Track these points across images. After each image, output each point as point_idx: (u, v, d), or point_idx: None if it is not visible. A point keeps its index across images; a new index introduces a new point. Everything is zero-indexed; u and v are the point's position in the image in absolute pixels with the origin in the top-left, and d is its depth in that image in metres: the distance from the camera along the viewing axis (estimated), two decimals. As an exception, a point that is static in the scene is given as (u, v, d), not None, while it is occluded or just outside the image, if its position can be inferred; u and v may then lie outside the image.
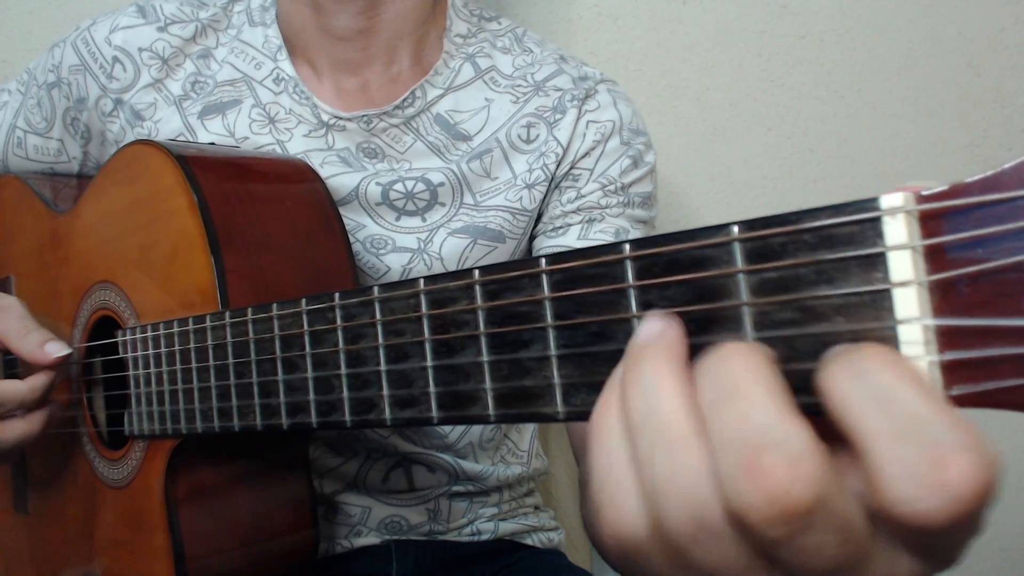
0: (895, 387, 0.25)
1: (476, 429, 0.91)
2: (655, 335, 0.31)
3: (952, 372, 0.28)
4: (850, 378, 0.26)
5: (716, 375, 0.28)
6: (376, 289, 0.45)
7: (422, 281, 0.42)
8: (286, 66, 0.87)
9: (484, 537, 0.93)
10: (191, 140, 0.85)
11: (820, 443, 0.26)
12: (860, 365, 0.26)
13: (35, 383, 0.71)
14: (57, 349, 0.71)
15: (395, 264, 0.84)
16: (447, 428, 0.89)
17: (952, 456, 0.24)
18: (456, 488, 0.91)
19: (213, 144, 0.81)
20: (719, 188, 1.30)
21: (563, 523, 1.05)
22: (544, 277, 0.37)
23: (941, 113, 1.30)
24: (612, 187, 0.87)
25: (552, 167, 0.86)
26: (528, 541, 0.97)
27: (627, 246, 0.34)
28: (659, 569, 0.31)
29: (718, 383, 0.28)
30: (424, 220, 0.85)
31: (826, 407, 0.27)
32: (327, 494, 0.87)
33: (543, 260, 0.37)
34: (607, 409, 0.32)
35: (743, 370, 0.28)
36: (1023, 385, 0.27)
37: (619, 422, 0.31)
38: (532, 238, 0.90)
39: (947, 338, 0.28)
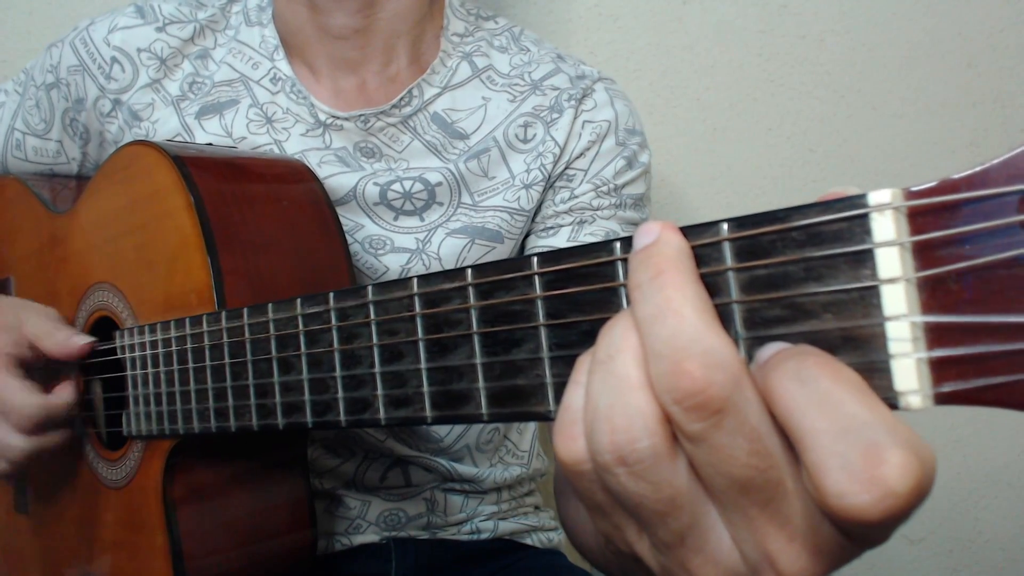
0: (834, 390, 0.27)
1: (473, 432, 0.91)
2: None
3: (941, 369, 0.27)
4: (796, 382, 0.28)
5: (649, 292, 0.31)
6: (370, 289, 0.45)
7: (415, 281, 0.42)
8: (283, 66, 0.87)
9: (484, 536, 0.93)
10: (188, 140, 0.85)
11: (739, 358, 0.30)
12: (804, 371, 0.28)
13: (65, 396, 0.73)
14: (83, 339, 0.73)
15: (393, 264, 0.84)
16: (442, 431, 0.89)
17: (887, 452, 0.26)
18: (451, 485, 0.91)
19: (210, 144, 0.81)
20: (719, 188, 1.30)
21: (563, 523, 1.05)
22: (536, 276, 0.37)
23: (941, 113, 1.30)
24: (605, 188, 0.87)
25: (549, 167, 0.86)
26: (528, 541, 0.97)
27: (618, 245, 0.34)
28: (596, 496, 0.34)
29: (652, 301, 0.31)
30: (422, 220, 0.85)
31: (772, 407, 0.29)
32: (326, 490, 0.87)
33: (535, 260, 0.37)
34: (583, 356, 0.35)
35: (673, 286, 0.30)
36: (1013, 382, 0.26)
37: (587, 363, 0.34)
38: (526, 236, 0.90)
39: (936, 335, 0.27)
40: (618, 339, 0.32)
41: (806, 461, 0.27)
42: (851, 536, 0.29)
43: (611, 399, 0.31)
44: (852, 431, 0.26)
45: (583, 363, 0.34)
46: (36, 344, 0.73)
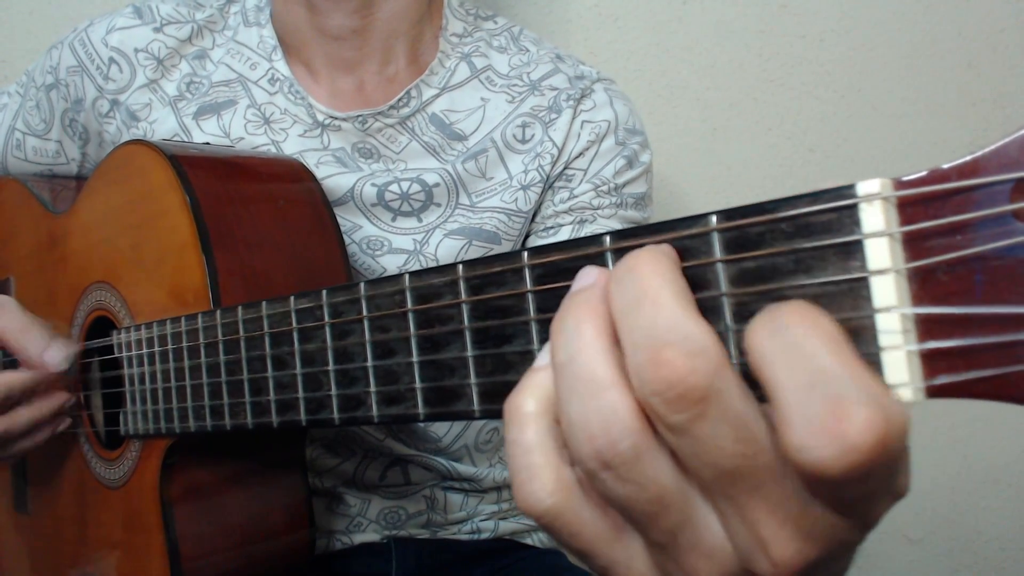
0: (806, 341, 0.26)
1: (471, 432, 0.90)
2: (586, 286, 0.33)
3: (932, 361, 0.27)
4: (768, 333, 0.27)
5: (627, 284, 0.30)
6: (362, 286, 0.45)
7: (407, 277, 0.42)
8: (281, 66, 0.87)
9: (484, 536, 0.93)
10: (185, 140, 0.85)
11: (719, 345, 0.28)
12: (779, 321, 0.27)
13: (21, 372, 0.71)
14: (56, 361, 0.70)
15: (391, 265, 0.84)
16: (440, 431, 0.89)
17: (852, 408, 0.25)
18: (451, 483, 0.91)
19: (208, 144, 0.81)
20: (719, 188, 1.30)
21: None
22: (527, 271, 0.37)
23: (941, 113, 1.30)
24: (605, 187, 0.86)
25: (547, 168, 0.86)
26: (528, 540, 0.96)
27: (607, 238, 0.34)
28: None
29: (629, 291, 0.30)
30: (420, 221, 0.85)
31: (748, 360, 0.28)
32: (326, 488, 0.87)
33: (525, 254, 0.37)
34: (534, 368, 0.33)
35: (651, 275, 0.29)
36: (1005, 374, 0.26)
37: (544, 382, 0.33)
38: (527, 237, 0.90)
39: (926, 327, 0.27)
40: (572, 336, 0.31)
41: (776, 413, 0.27)
42: (841, 510, 0.28)
43: (582, 404, 0.30)
44: (820, 385, 0.25)
45: (536, 376, 0.33)
46: (3, 342, 0.71)
